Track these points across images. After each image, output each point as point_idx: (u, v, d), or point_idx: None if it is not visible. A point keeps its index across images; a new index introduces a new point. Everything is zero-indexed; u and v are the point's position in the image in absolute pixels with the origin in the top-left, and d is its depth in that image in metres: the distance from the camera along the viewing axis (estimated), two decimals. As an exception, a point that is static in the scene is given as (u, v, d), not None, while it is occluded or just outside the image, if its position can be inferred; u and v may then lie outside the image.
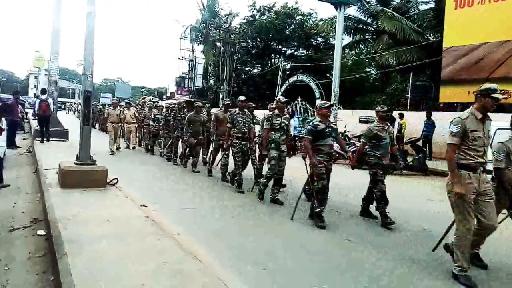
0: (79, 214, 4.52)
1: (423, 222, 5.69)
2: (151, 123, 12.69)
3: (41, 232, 4.42)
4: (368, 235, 5.08)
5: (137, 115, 13.16)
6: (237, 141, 7.38)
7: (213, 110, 11.49)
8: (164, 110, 12.44)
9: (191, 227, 4.91)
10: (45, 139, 11.92)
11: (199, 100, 11.50)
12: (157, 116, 12.20)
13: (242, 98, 7.67)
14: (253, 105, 8.77)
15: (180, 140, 10.29)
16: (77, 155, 6.36)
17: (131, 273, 3.09)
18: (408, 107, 19.48)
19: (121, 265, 3.21)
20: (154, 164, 10.49)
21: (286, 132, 6.59)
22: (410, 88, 19.56)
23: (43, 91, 13.61)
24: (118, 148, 12.70)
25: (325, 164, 5.36)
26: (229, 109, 8.18)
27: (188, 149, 9.82)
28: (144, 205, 5.26)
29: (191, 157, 9.57)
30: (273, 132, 6.38)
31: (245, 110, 7.62)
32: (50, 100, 12.82)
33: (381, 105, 6.15)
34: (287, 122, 6.61)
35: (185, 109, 10.69)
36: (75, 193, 5.59)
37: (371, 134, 5.73)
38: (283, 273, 3.73)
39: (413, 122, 14.52)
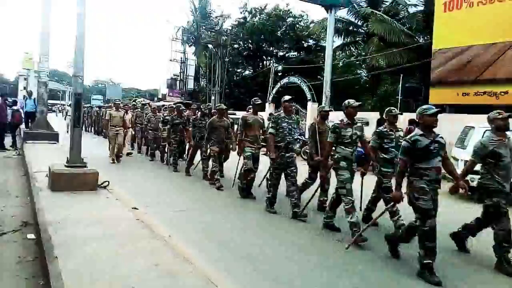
0: (69, 217, 4.49)
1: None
2: (160, 126, 11.03)
3: (31, 235, 4.38)
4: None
5: (130, 119, 12.02)
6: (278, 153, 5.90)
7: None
8: (166, 112, 11.35)
9: (182, 229, 4.91)
10: (10, 146, 12.07)
11: (191, 102, 10.75)
12: (167, 118, 10.62)
13: (287, 97, 6.12)
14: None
15: (199, 150, 9.06)
16: (67, 157, 6.31)
17: (122, 275, 3.08)
18: (398, 109, 19.63)
19: (112, 268, 3.20)
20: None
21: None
22: (400, 90, 19.73)
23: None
24: (128, 154, 11.81)
25: (432, 196, 3.87)
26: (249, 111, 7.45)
27: (191, 154, 9.23)
28: (135, 208, 5.25)
29: (204, 166, 8.53)
30: (342, 147, 5.02)
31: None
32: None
33: (497, 111, 4.47)
34: (359, 133, 5.10)
35: (206, 116, 9.20)
36: (66, 196, 5.55)
37: (485, 151, 4.29)
38: (275, 274, 3.74)
39: (403, 123, 14.64)
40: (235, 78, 36.06)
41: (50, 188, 5.92)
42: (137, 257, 3.47)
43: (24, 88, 38.23)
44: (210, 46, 33.07)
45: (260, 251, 4.34)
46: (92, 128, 21.98)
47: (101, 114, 18.95)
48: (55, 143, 12.50)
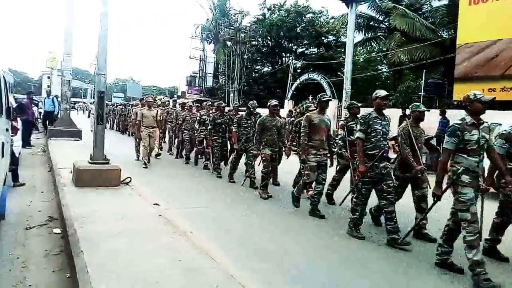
0: (93, 213, 4.58)
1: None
2: (196, 126, 9.96)
3: (57, 230, 4.48)
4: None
5: (159, 117, 10.13)
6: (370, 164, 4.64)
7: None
8: (203, 111, 10.31)
9: (203, 225, 4.94)
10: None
11: (209, 99, 10.06)
12: (203, 117, 9.67)
13: (382, 93, 4.90)
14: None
15: (245, 154, 7.97)
16: (91, 154, 6.44)
17: (145, 270, 3.12)
18: (421, 105, 19.25)
19: (136, 263, 3.25)
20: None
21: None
22: (422, 86, 19.34)
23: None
24: (157, 156, 10.58)
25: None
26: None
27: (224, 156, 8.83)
28: (156, 204, 5.31)
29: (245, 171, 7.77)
30: (464, 156, 3.77)
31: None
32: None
33: None
34: (487, 137, 3.86)
35: (253, 115, 8.09)
36: (90, 192, 5.66)
37: None
38: (296, 271, 3.72)
39: (426, 120, 14.34)
40: (253, 75, 36.07)
41: (74, 184, 6.05)
42: (160, 252, 3.51)
43: (48, 86, 39.21)
44: (228, 43, 33.18)
45: (283, 250, 4.32)
46: (115, 126, 22.02)
47: (126, 112, 18.73)
48: (78, 140, 12.78)
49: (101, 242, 3.65)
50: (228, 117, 8.92)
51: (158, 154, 10.64)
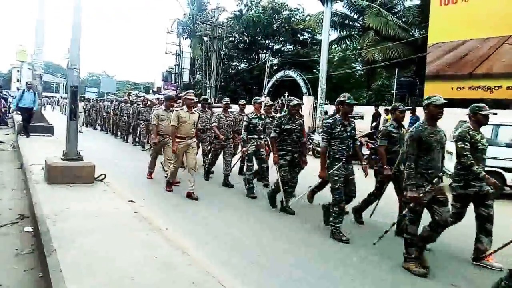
0: (66, 210, 4.50)
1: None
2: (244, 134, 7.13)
3: (28, 228, 4.38)
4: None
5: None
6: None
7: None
8: (251, 113, 7.16)
9: (179, 222, 4.94)
10: None
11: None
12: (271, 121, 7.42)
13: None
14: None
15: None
16: (63, 150, 6.30)
17: (120, 267, 3.11)
18: (393, 103, 19.75)
19: (110, 260, 3.23)
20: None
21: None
22: (395, 84, 19.82)
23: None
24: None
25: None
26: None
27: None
28: (132, 201, 5.26)
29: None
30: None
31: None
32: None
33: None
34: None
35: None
36: (62, 189, 5.54)
37: None
38: (272, 266, 3.79)
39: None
40: (230, 71, 36.01)
41: (46, 181, 5.91)
42: (135, 249, 3.50)
43: (18, 80, 37.88)
44: (205, 38, 32.94)
45: (259, 244, 4.38)
46: (98, 125, 19.31)
47: (121, 110, 14.78)
48: (50, 136, 12.45)
49: (74, 239, 3.60)
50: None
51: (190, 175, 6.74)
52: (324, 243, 4.58)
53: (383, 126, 5.28)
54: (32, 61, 14.81)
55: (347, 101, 4.83)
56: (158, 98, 13.50)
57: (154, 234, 3.94)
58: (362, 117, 17.40)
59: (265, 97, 23.21)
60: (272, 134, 5.91)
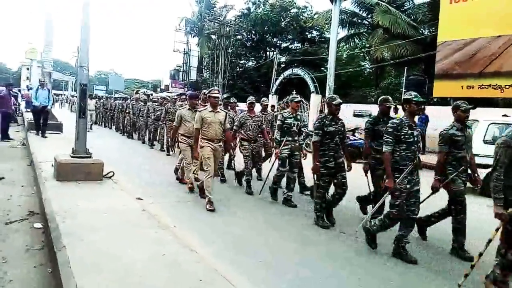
0: (76, 207, 4.55)
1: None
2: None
3: (38, 225, 4.43)
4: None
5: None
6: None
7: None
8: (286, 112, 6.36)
9: (187, 219, 4.96)
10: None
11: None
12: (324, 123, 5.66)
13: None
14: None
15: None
16: (73, 148, 6.36)
17: (128, 264, 3.13)
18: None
19: (118, 257, 3.25)
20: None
21: None
22: (404, 82, 19.66)
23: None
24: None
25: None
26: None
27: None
28: (140, 198, 5.30)
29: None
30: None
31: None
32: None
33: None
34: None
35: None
36: (71, 186, 5.60)
37: None
38: (279, 265, 3.79)
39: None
40: (238, 70, 36.00)
41: (55, 178, 5.97)
42: (143, 246, 3.52)
43: (27, 78, 38.21)
44: (213, 37, 32.96)
45: (267, 244, 4.38)
46: (113, 125, 18.79)
47: (138, 109, 13.99)
48: (59, 133, 12.57)
49: (83, 236, 3.63)
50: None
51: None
52: (331, 242, 4.57)
53: (444, 130, 4.42)
54: (41, 58, 14.94)
55: (414, 99, 4.13)
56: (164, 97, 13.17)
57: (163, 232, 3.96)
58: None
59: (272, 95, 23.19)
60: (315, 138, 5.16)
